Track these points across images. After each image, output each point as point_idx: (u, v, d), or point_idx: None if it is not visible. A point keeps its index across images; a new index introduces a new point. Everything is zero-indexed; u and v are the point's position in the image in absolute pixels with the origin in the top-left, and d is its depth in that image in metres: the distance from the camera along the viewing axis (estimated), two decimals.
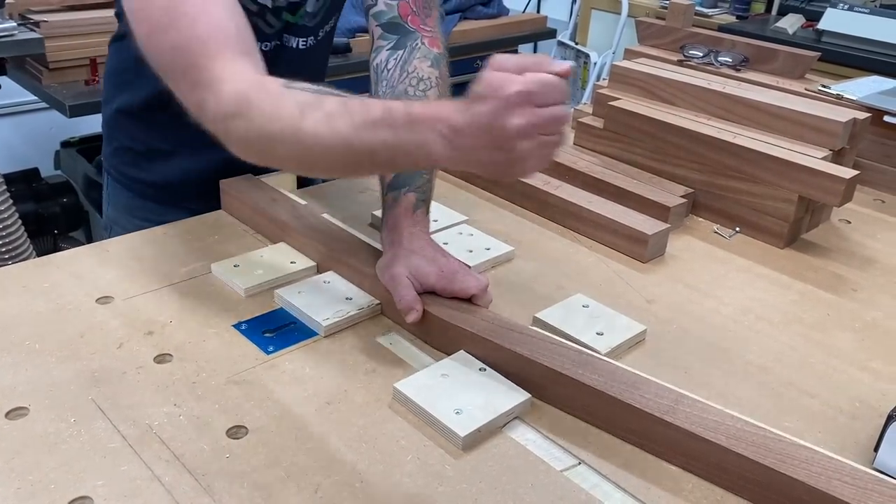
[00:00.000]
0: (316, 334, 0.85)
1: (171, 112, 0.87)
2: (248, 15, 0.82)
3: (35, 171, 2.46)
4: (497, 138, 0.66)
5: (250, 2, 0.96)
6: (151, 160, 1.17)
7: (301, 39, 1.06)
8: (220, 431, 0.70)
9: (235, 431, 0.71)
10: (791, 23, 2.55)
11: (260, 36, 0.93)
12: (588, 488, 0.67)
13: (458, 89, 2.78)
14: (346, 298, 0.89)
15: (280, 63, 0.92)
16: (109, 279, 0.93)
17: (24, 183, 2.37)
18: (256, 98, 0.75)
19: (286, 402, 0.75)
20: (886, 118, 1.28)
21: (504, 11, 2.93)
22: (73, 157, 2.42)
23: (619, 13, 3.15)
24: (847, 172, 1.04)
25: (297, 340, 0.83)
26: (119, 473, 0.65)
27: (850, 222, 1.22)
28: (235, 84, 0.75)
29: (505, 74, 0.65)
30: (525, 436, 0.73)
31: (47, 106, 2.26)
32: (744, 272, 1.06)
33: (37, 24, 1.97)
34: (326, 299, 0.88)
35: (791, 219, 1.09)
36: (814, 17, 2.63)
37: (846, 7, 2.41)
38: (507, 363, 0.78)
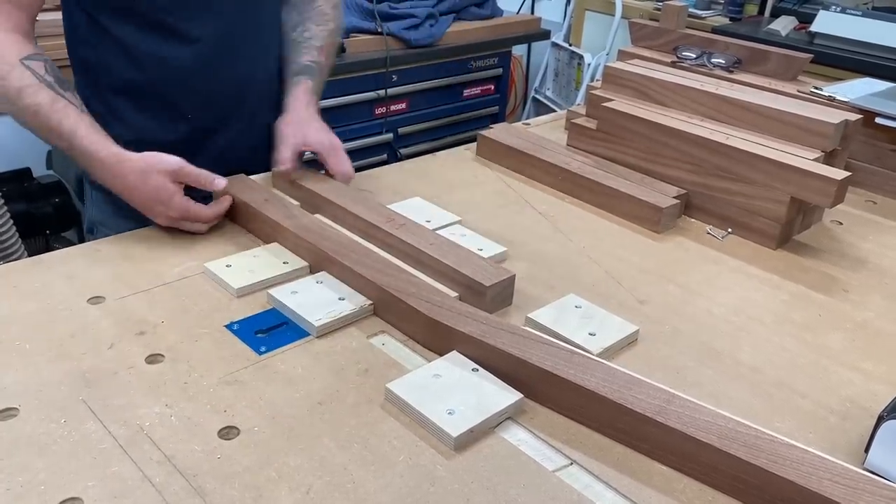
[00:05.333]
0: (308, 335, 0.84)
1: (131, 96, 1.14)
2: None
3: (27, 171, 2.44)
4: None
5: None
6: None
7: None
8: (211, 432, 0.70)
9: (227, 432, 0.70)
10: (784, 25, 2.56)
11: None
12: (580, 488, 0.67)
13: (454, 90, 2.78)
14: (339, 299, 0.88)
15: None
16: (101, 279, 0.92)
17: (15, 183, 2.35)
18: None
19: (278, 402, 0.75)
20: (878, 120, 1.28)
21: (498, 13, 2.93)
22: (65, 157, 2.40)
23: (613, 14, 3.15)
24: (838, 174, 1.04)
25: (290, 341, 0.83)
26: (110, 474, 0.65)
27: (841, 223, 1.23)
28: None
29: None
30: (517, 436, 0.73)
31: None
32: (736, 273, 1.06)
33: None
34: (319, 300, 0.88)
35: (783, 220, 1.10)
36: (806, 19, 2.64)
37: (838, 9, 2.41)
38: (499, 363, 0.78)
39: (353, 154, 2.26)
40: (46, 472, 0.65)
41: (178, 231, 1.04)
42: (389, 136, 2.68)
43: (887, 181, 1.33)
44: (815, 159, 1.10)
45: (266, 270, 0.94)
